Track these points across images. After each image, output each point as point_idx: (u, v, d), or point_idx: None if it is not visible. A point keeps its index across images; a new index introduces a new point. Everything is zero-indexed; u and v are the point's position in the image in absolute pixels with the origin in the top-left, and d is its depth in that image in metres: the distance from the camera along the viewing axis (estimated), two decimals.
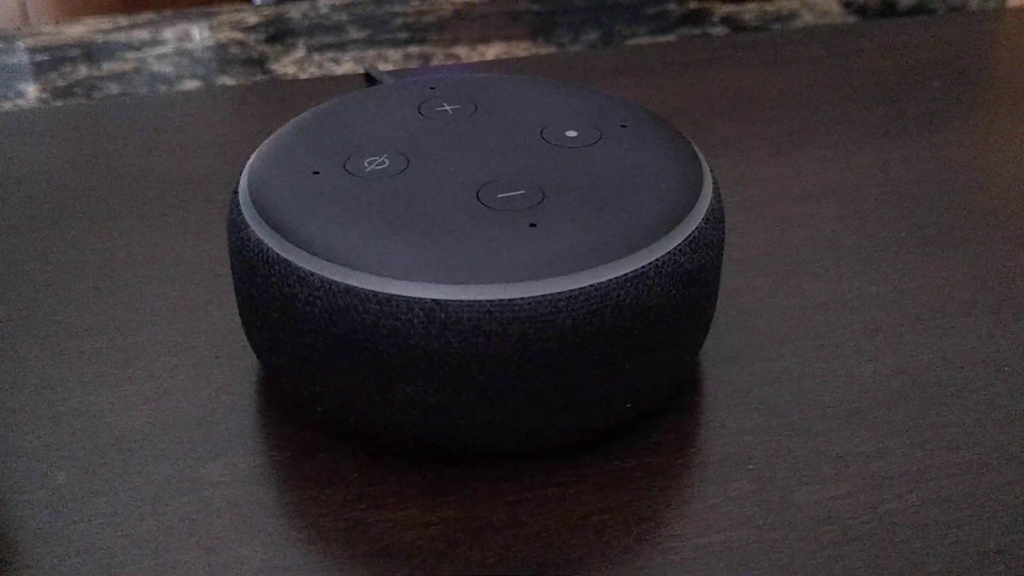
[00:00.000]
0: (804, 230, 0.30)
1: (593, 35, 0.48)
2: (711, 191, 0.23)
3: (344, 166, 0.22)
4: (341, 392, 0.21)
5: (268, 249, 0.21)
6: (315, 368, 0.21)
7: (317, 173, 0.22)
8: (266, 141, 0.24)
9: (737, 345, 0.25)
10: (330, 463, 0.22)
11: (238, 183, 0.23)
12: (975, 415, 0.23)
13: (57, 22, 0.52)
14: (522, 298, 0.19)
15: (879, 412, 0.23)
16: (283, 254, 0.21)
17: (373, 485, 0.21)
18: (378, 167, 0.22)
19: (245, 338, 0.25)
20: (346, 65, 0.45)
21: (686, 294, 0.21)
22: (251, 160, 0.24)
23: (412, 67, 0.44)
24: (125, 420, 0.23)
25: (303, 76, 0.44)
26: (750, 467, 0.22)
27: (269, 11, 0.52)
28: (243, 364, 0.25)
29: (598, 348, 0.20)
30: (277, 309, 0.21)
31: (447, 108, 0.25)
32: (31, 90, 0.43)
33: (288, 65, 0.46)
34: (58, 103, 0.41)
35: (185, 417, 0.23)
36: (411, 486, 0.21)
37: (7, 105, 0.40)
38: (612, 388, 0.21)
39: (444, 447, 0.21)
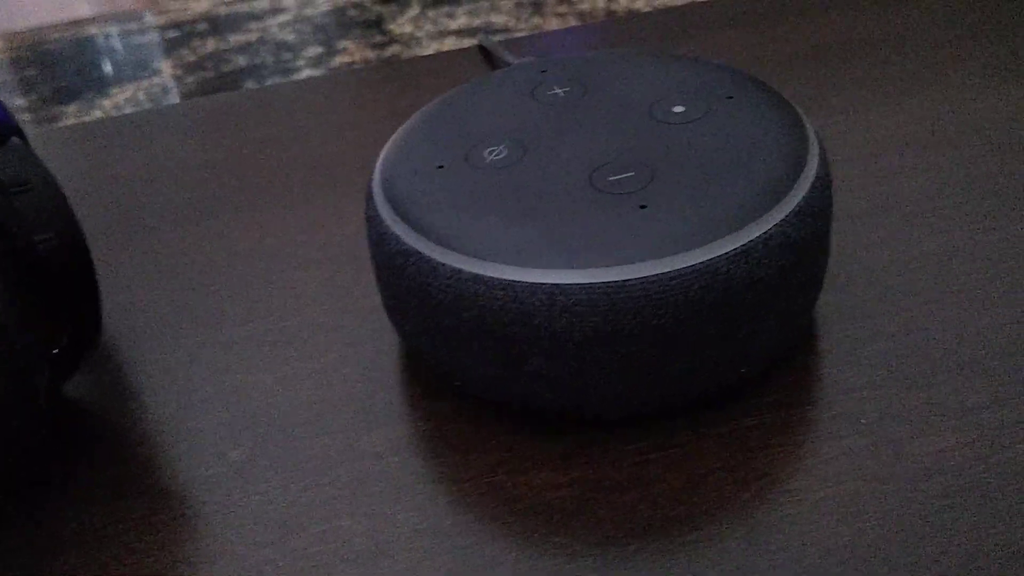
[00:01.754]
0: (917, 180, 0.30)
1: None
2: (817, 159, 0.23)
3: (466, 158, 0.24)
4: (476, 369, 0.23)
5: (402, 242, 0.23)
6: (451, 348, 0.23)
7: (441, 167, 0.24)
8: (393, 137, 0.26)
9: (850, 301, 0.26)
10: (470, 432, 0.24)
11: (371, 180, 0.25)
12: None
13: None
14: (634, 279, 0.21)
15: (992, 362, 0.24)
16: (416, 246, 0.23)
17: (510, 451, 0.24)
18: (497, 157, 0.24)
19: (387, 318, 0.27)
20: (460, 20, 0.47)
21: (795, 264, 0.22)
22: (381, 156, 0.26)
23: (524, 16, 0.45)
24: (288, 399, 0.26)
25: (419, 34, 0.45)
26: (863, 422, 0.23)
27: None
28: (388, 341, 0.27)
29: (709, 322, 0.21)
30: (414, 296, 0.23)
31: (558, 91, 0.26)
32: (164, 67, 0.46)
33: (404, 24, 0.48)
34: (189, 79, 0.43)
35: (340, 393, 0.26)
36: (544, 451, 0.23)
37: (144, 83, 0.43)
38: (725, 357, 0.22)
39: (573, 415, 0.23)
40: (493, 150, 0.24)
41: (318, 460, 0.24)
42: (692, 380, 0.22)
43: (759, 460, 0.23)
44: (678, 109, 0.25)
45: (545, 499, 0.22)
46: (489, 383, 0.23)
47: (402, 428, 0.25)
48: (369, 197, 0.25)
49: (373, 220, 0.24)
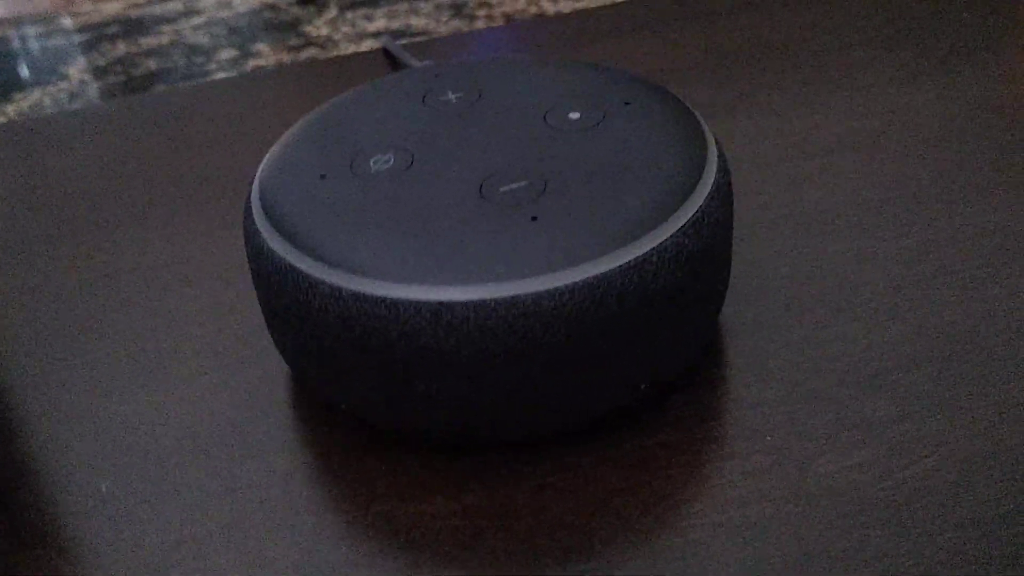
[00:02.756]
0: (823, 186, 0.30)
1: None
2: (715, 167, 0.22)
3: (351, 167, 0.23)
4: (361, 392, 0.21)
5: (280, 258, 0.21)
6: (335, 371, 0.21)
7: (324, 177, 0.23)
8: (275, 145, 0.25)
9: (755, 312, 0.25)
10: (357, 460, 0.23)
11: (250, 190, 0.24)
12: (998, 374, 0.23)
13: (95, 0, 0.52)
14: (525, 294, 0.20)
15: (899, 375, 0.23)
16: (294, 262, 0.21)
17: (400, 478, 0.22)
18: (384, 166, 0.23)
19: (270, 340, 0.26)
20: (379, 22, 0.45)
21: (693, 276, 0.21)
22: (262, 165, 0.24)
23: (444, 19, 0.44)
24: (162, 426, 0.24)
25: (336, 36, 0.44)
26: (768, 439, 0.22)
27: None
28: (272, 364, 0.25)
29: (605, 338, 0.20)
30: (294, 316, 0.21)
31: (451, 97, 0.25)
32: (72, 71, 0.44)
33: (321, 27, 0.46)
34: (97, 84, 0.41)
35: (219, 420, 0.24)
36: (435, 477, 0.22)
37: (50, 89, 0.41)
38: (623, 374, 0.21)
39: (465, 439, 0.22)
40: (379, 159, 0.23)
41: (193, 492, 0.22)
42: (589, 399, 0.21)
43: (661, 481, 0.21)
44: (574, 116, 0.24)
45: (434, 529, 0.21)
46: (376, 407, 0.22)
47: (284, 457, 0.23)
48: (247, 209, 0.23)
49: (251, 234, 0.23)
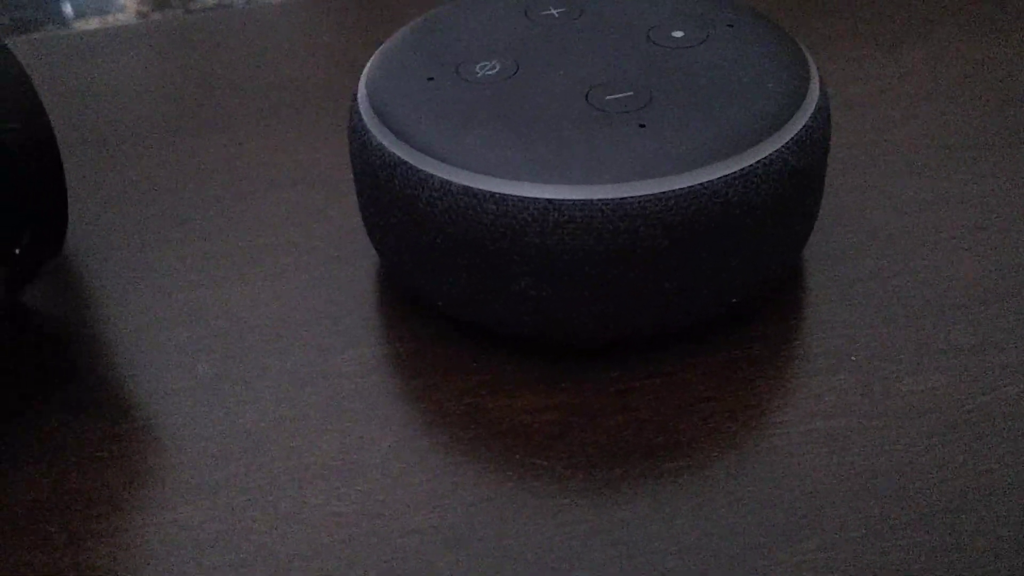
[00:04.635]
0: (909, 129, 0.30)
1: None
2: (818, 90, 0.23)
3: (457, 71, 0.23)
4: (461, 287, 0.22)
5: (389, 153, 0.22)
6: (436, 265, 0.22)
7: (431, 79, 0.23)
8: (380, 49, 0.25)
9: (841, 242, 0.26)
10: (450, 353, 0.23)
11: (356, 90, 0.24)
12: None
13: None
14: (632, 196, 0.20)
15: (981, 308, 0.24)
16: (403, 157, 0.22)
17: (491, 373, 0.23)
18: (489, 72, 0.23)
19: (364, 239, 0.27)
20: None
21: (792, 192, 0.22)
22: (367, 67, 0.25)
23: None
24: (258, 316, 0.25)
25: None
26: (852, 358, 0.23)
27: None
28: (364, 263, 0.26)
29: (706, 245, 0.21)
30: (399, 209, 0.22)
31: (553, 12, 0.25)
32: (128, 3, 0.44)
33: None
34: (156, 15, 0.42)
35: (313, 313, 0.25)
36: (527, 374, 0.23)
37: (108, 19, 0.42)
38: (719, 283, 0.22)
39: (558, 338, 0.23)
40: (485, 64, 0.23)
41: (289, 377, 0.23)
42: (683, 306, 0.22)
43: (747, 392, 0.22)
44: (677, 34, 0.24)
45: (526, 422, 0.22)
46: (473, 303, 0.22)
47: (378, 348, 0.24)
48: (353, 107, 0.24)
49: (357, 131, 0.23)
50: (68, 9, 0.45)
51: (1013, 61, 0.33)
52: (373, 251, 0.26)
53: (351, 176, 0.25)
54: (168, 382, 0.23)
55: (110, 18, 0.42)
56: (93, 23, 0.43)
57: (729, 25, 0.24)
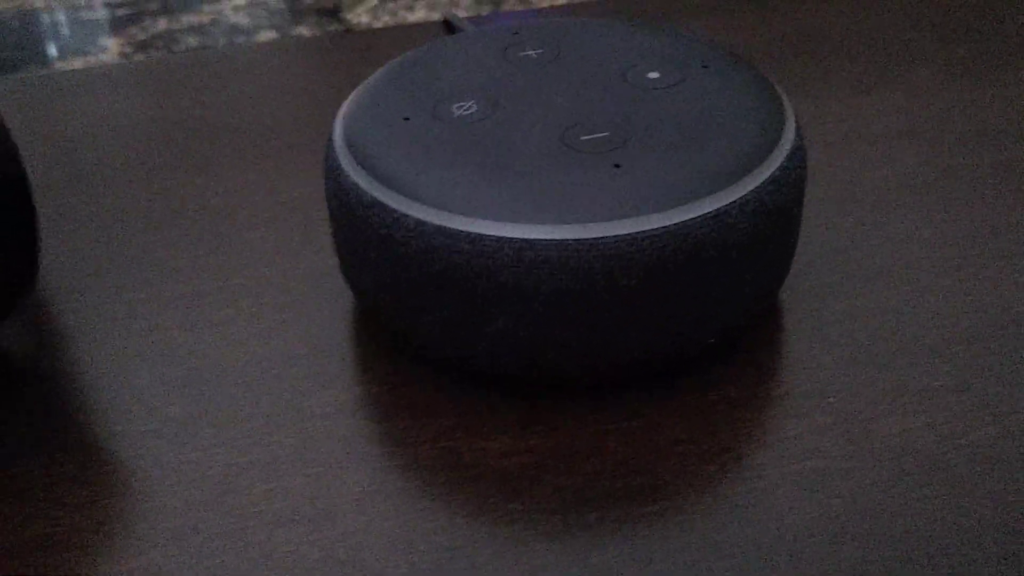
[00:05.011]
0: (885, 169, 0.30)
1: None
2: (793, 130, 0.23)
3: (433, 112, 0.23)
4: (436, 327, 0.22)
5: (363, 192, 0.22)
6: (412, 304, 0.22)
7: (408, 119, 0.23)
8: (356, 90, 0.25)
9: (818, 282, 0.26)
10: (425, 395, 0.23)
11: (332, 129, 0.24)
12: None
13: None
14: (607, 236, 0.20)
15: (959, 348, 0.24)
16: (378, 196, 0.22)
17: (466, 416, 0.23)
18: (466, 112, 0.23)
19: (340, 278, 0.26)
20: (419, 13, 0.46)
21: (768, 233, 0.22)
22: (343, 107, 0.25)
23: (485, 12, 0.44)
24: (231, 357, 0.24)
25: (377, 25, 0.44)
26: (830, 400, 0.22)
27: None
28: (340, 303, 0.26)
29: (681, 286, 0.21)
30: (374, 249, 0.22)
31: (531, 53, 0.25)
32: (112, 44, 0.44)
33: (362, 14, 0.47)
34: (139, 57, 0.42)
35: (287, 354, 0.24)
36: (502, 416, 0.22)
37: (90, 60, 0.42)
38: (695, 323, 0.22)
39: (534, 380, 0.22)
40: (462, 105, 0.23)
41: (261, 420, 0.23)
42: (659, 346, 0.22)
43: (724, 434, 0.22)
44: (653, 75, 0.24)
45: (501, 466, 0.21)
46: (449, 342, 0.22)
47: (353, 390, 0.23)
48: (329, 147, 0.24)
49: (333, 170, 0.23)
50: (52, 50, 0.45)
51: (987, 103, 0.33)
52: (349, 291, 0.26)
53: (328, 216, 0.25)
54: (139, 424, 0.23)
55: (92, 59, 0.42)
56: (76, 63, 0.43)
57: (704, 66, 0.24)
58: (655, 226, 0.20)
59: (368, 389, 0.23)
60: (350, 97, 0.25)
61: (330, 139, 0.24)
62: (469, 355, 0.22)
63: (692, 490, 0.21)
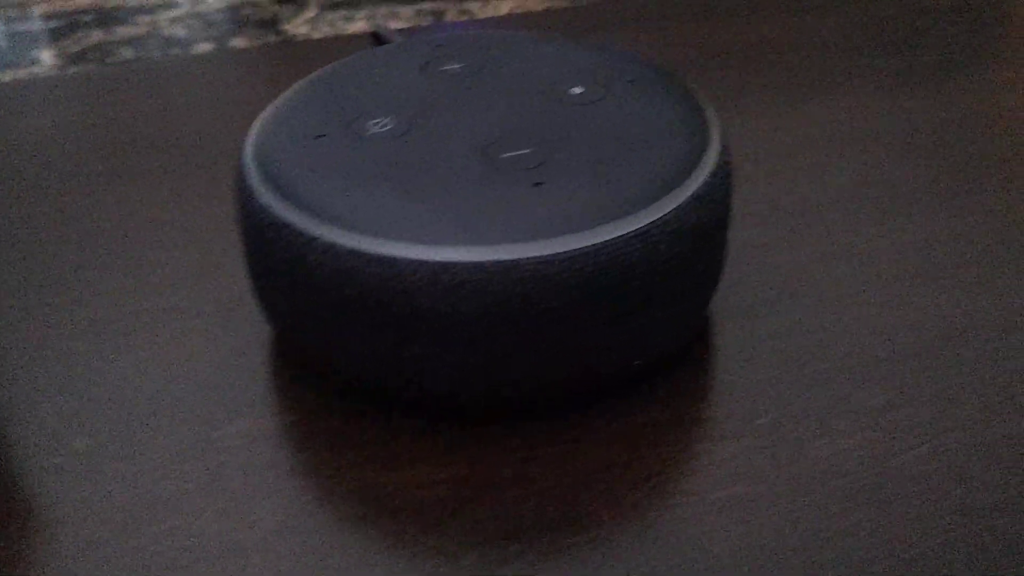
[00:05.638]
0: (816, 181, 0.30)
1: None
2: (718, 147, 0.22)
3: (348, 129, 0.22)
4: (352, 352, 0.21)
5: (274, 213, 0.21)
6: (326, 329, 0.21)
7: (321, 136, 0.22)
8: (269, 107, 0.24)
9: (747, 299, 0.25)
10: (341, 424, 0.22)
11: (243, 148, 0.23)
12: (987, 368, 0.23)
13: None
14: (526, 258, 0.19)
15: (890, 366, 0.23)
16: (288, 217, 0.21)
17: (384, 445, 0.22)
18: (382, 129, 0.22)
19: (255, 303, 0.25)
20: (358, 24, 0.45)
21: (693, 251, 0.21)
22: (255, 125, 0.24)
23: (424, 25, 0.44)
24: (140, 386, 0.23)
25: (316, 35, 0.43)
26: (759, 422, 0.22)
27: None
28: (254, 328, 0.25)
29: (604, 306, 0.20)
30: (286, 273, 0.21)
31: (452, 67, 0.25)
32: (46, 56, 0.43)
33: (300, 25, 0.46)
34: (72, 69, 0.41)
35: (199, 381, 0.23)
36: (421, 446, 0.22)
37: (22, 73, 0.41)
38: (619, 345, 0.21)
39: (453, 406, 0.22)
40: (377, 121, 0.23)
41: (171, 451, 0.22)
42: (583, 370, 0.21)
43: (651, 459, 0.21)
44: (577, 90, 0.24)
45: (419, 497, 0.21)
46: (365, 368, 0.21)
47: (266, 420, 0.22)
48: (240, 166, 0.23)
49: (243, 191, 0.22)
50: None
51: (918, 115, 0.33)
52: (263, 316, 0.25)
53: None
54: (42, 457, 0.22)
55: (22, 72, 0.41)
56: (6, 76, 0.41)
57: (630, 81, 0.24)
58: (576, 246, 0.20)
59: (283, 419, 0.22)
60: (261, 114, 0.24)
61: (240, 157, 0.23)
62: (386, 382, 0.21)
63: (617, 518, 0.20)
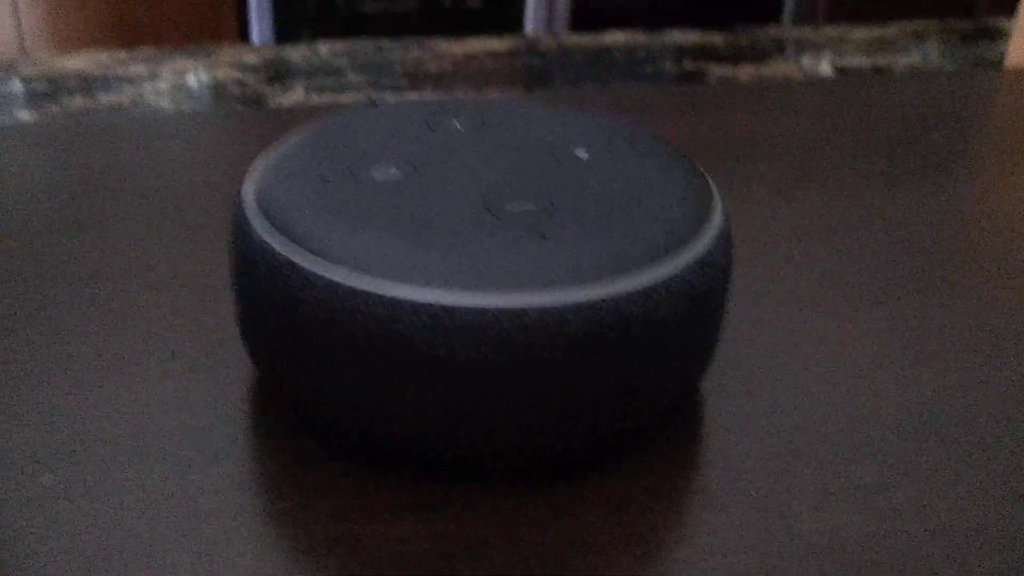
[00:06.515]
0: (806, 267, 0.30)
1: (590, 89, 0.49)
2: (721, 214, 0.22)
3: (351, 173, 0.22)
4: (341, 397, 0.20)
5: (272, 250, 0.21)
6: (317, 372, 0.20)
7: (323, 179, 0.22)
8: (269, 148, 0.24)
9: (740, 374, 0.25)
10: (324, 473, 0.21)
11: (241, 186, 0.23)
12: (978, 451, 0.23)
13: (55, 54, 0.52)
14: (530, 307, 0.19)
15: (882, 445, 0.23)
16: (287, 255, 0.20)
17: (367, 497, 0.21)
18: (386, 176, 0.22)
19: (239, 347, 0.25)
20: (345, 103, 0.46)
21: (694, 314, 0.21)
22: (255, 164, 0.23)
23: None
24: (115, 425, 0.23)
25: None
26: (752, 494, 0.21)
27: (269, 52, 0.52)
28: (237, 373, 0.24)
29: (604, 362, 0.20)
30: (280, 313, 0.20)
31: (456, 124, 0.25)
32: (27, 118, 0.43)
33: (285, 104, 0.46)
34: (51, 108, 0.40)
35: (176, 423, 0.23)
36: (406, 500, 0.21)
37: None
38: (616, 405, 0.20)
39: (442, 459, 0.21)
40: (382, 169, 0.22)
41: (143, 492, 0.21)
42: (578, 428, 0.20)
43: (642, 525, 0.21)
44: (581, 152, 0.24)
45: (402, 553, 0.20)
46: (353, 415, 0.21)
47: (244, 465, 0.22)
48: (237, 204, 0.22)
49: (239, 228, 0.22)
50: None
51: (905, 208, 0.33)
52: (246, 361, 0.24)
53: (228, 283, 0.23)
54: (8, 492, 0.21)
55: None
56: None
57: (634, 147, 0.24)
58: (581, 299, 0.19)
59: (262, 465, 0.22)
60: (260, 156, 0.24)
61: (238, 195, 0.22)
62: (374, 429, 0.21)
63: None
